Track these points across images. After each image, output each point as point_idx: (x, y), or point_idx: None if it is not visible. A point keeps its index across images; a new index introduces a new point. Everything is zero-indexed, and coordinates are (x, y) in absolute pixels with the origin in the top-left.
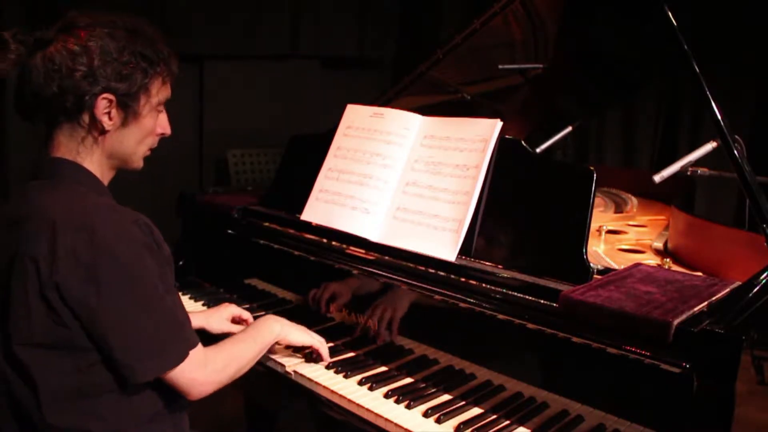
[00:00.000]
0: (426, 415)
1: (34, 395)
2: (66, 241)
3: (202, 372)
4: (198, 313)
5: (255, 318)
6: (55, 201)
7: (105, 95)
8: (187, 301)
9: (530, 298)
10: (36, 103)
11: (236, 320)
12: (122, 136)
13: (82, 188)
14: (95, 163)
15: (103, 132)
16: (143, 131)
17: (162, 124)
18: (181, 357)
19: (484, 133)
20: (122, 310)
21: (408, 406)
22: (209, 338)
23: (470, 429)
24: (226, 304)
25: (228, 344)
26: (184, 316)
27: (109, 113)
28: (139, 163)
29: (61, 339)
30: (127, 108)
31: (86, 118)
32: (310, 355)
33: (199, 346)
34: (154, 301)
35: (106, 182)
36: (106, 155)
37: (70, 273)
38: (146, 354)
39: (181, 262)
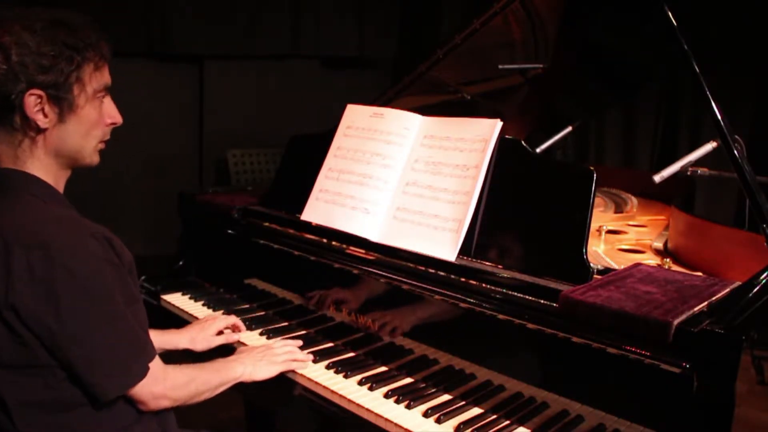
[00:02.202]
0: (426, 415)
1: (6, 415)
2: (21, 259)
3: (160, 386)
4: (183, 333)
5: (256, 316)
6: (6, 216)
7: (32, 91)
8: (186, 301)
9: (530, 298)
10: None
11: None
12: (63, 132)
13: (34, 198)
14: (42, 168)
15: (39, 131)
16: (86, 123)
17: (110, 113)
18: (144, 372)
19: (484, 133)
20: (82, 328)
21: (408, 406)
22: (195, 357)
23: (470, 429)
24: (209, 320)
25: (190, 367)
26: (144, 328)
27: (42, 110)
28: (92, 159)
29: (25, 359)
30: (61, 101)
31: (18, 119)
32: (311, 353)
33: (157, 358)
34: (115, 317)
35: (61, 185)
36: (52, 155)
37: (26, 292)
38: (110, 371)
39: (181, 262)
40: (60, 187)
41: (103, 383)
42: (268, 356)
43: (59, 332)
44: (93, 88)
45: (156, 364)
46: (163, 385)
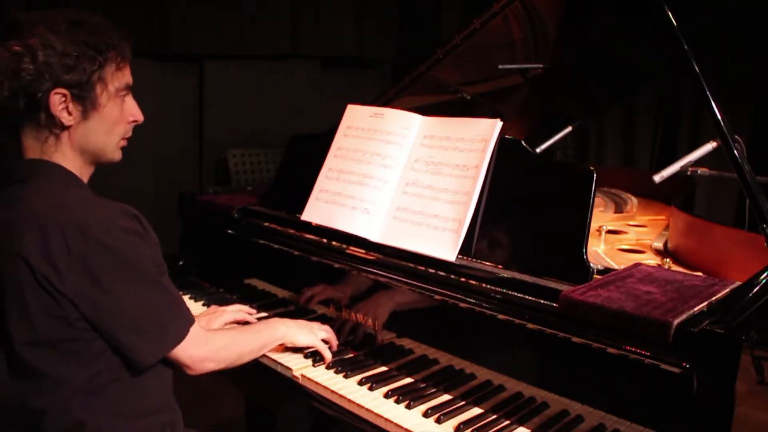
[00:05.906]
0: (426, 415)
1: (37, 390)
2: (57, 239)
3: (204, 348)
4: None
5: (256, 316)
6: (37, 200)
7: (57, 90)
8: (187, 301)
9: (530, 298)
10: None
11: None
12: (87, 129)
13: (60, 184)
14: (69, 161)
15: (64, 128)
16: (108, 121)
17: (131, 111)
18: (182, 335)
19: (484, 133)
20: (122, 297)
21: (408, 406)
22: None
23: (470, 429)
24: (221, 309)
25: (230, 330)
26: (179, 295)
27: (66, 109)
28: (114, 155)
29: (63, 334)
30: (84, 100)
31: (43, 116)
32: (311, 353)
33: (197, 324)
34: (151, 284)
35: (85, 179)
36: (78, 152)
37: (66, 269)
38: (149, 336)
39: (181, 262)
40: (84, 180)
41: (141, 347)
42: (308, 326)
43: (100, 303)
44: (115, 87)
45: (197, 328)
46: (206, 348)
